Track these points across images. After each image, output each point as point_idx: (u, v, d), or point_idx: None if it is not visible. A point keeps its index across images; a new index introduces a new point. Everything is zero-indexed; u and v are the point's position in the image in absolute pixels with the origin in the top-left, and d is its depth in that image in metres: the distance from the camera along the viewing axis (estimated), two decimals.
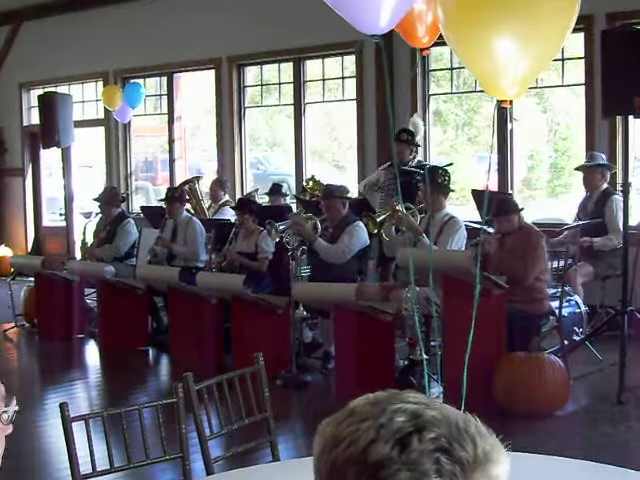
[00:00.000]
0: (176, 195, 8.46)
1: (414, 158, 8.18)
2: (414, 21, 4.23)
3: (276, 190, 9.17)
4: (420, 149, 8.74)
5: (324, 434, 1.14)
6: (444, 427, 1.09)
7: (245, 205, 7.88)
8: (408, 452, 1.06)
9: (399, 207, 6.66)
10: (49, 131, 9.50)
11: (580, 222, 7.34)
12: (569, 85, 9.09)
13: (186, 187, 9.74)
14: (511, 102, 3.29)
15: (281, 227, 7.10)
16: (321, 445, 1.13)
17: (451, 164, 7.88)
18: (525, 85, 3.13)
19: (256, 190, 9.93)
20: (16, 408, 1.64)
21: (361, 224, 7.07)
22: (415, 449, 1.06)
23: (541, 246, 6.20)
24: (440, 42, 4.74)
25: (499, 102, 3.06)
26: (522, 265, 6.06)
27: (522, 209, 6.41)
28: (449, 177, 6.82)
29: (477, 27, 2.97)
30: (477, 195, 7.73)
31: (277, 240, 7.28)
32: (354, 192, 9.21)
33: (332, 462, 1.10)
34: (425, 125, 9.23)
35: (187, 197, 9.23)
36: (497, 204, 6.34)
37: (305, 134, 10.62)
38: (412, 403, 1.12)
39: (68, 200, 10.14)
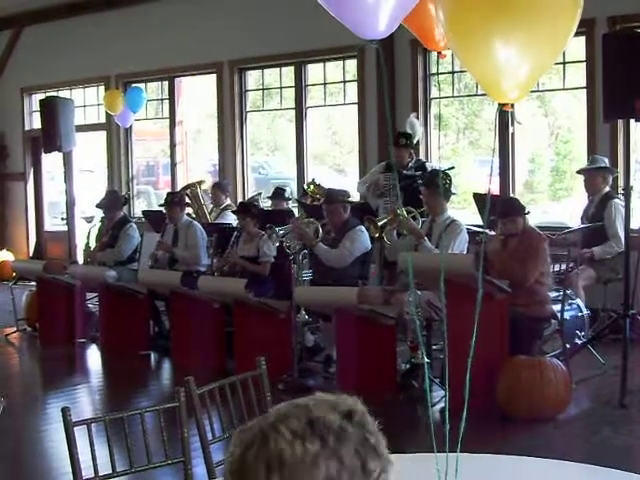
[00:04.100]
0: (176, 200, 8.45)
1: (412, 159, 8.16)
2: (432, 24, 4.19)
3: (279, 194, 9.17)
4: (422, 152, 8.72)
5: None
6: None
7: (246, 209, 7.87)
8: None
9: (400, 211, 6.67)
10: (51, 135, 9.49)
11: (581, 226, 7.33)
12: (570, 89, 9.07)
13: (188, 191, 9.75)
14: (512, 105, 3.29)
15: (281, 232, 7.10)
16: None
17: (452, 168, 7.87)
18: (527, 88, 3.13)
19: (259, 194, 9.96)
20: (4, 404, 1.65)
21: (363, 229, 7.05)
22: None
23: (542, 249, 6.16)
24: None
25: (500, 105, 3.05)
26: (522, 267, 6.04)
27: (528, 212, 6.36)
28: (450, 181, 6.82)
29: (479, 30, 2.97)
30: (479, 199, 7.72)
31: (278, 244, 7.28)
32: (355, 195, 9.22)
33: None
34: (427, 128, 9.22)
35: (189, 201, 9.24)
36: (503, 206, 6.31)
37: (306, 138, 10.62)
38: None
39: (70, 204, 10.13)
